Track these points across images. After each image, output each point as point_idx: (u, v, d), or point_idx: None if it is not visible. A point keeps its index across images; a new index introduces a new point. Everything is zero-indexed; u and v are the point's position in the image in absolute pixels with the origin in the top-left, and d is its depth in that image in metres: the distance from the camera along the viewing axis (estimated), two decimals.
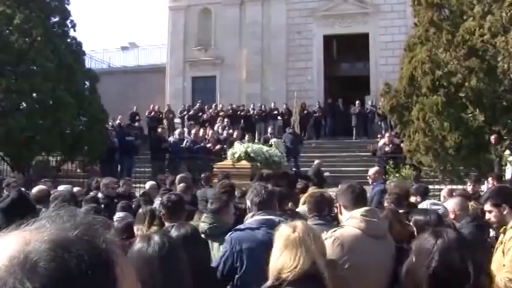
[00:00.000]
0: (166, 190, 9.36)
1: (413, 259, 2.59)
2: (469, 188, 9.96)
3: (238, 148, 13.44)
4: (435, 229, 2.88)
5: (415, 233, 4.35)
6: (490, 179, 11.53)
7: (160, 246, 2.75)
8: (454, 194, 8.03)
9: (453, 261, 2.42)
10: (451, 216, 5.55)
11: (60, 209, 0.97)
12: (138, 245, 2.80)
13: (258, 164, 12.89)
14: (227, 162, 13.56)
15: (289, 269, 2.89)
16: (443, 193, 9.71)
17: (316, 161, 16.71)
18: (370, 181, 10.27)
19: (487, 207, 4.61)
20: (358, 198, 4.09)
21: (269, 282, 2.98)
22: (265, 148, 14.09)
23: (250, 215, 4.72)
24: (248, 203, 4.76)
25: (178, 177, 10.62)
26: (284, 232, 3.05)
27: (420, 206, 5.59)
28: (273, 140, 17.83)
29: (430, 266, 2.44)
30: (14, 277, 0.80)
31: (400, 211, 5.74)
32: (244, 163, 12.94)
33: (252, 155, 13.09)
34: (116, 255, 0.90)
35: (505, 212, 4.49)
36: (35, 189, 6.79)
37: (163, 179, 12.31)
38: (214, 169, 13.33)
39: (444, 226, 4.15)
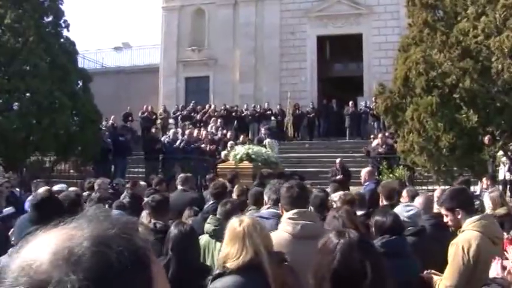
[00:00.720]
0: (153, 190, 9.57)
1: (319, 258, 2.63)
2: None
3: (240, 150, 14.37)
4: (340, 229, 2.95)
5: (373, 233, 4.52)
6: (484, 179, 11.60)
7: None
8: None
9: (352, 261, 2.44)
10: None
11: (95, 208, 1.01)
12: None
13: (259, 164, 13.65)
14: (230, 163, 14.35)
15: (233, 259, 3.22)
16: (436, 194, 9.76)
17: (338, 160, 16.78)
18: (362, 181, 10.58)
19: (443, 211, 4.64)
20: (295, 200, 4.18)
21: (216, 271, 3.32)
22: (263, 149, 14.90)
23: (265, 207, 5.21)
24: (266, 197, 5.27)
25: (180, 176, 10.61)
26: (232, 225, 3.36)
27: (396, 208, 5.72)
28: (266, 141, 17.84)
29: (332, 265, 2.48)
30: (60, 270, 0.84)
31: (360, 212, 6.22)
32: (246, 164, 13.78)
33: (253, 156, 13.98)
34: (151, 254, 0.94)
35: (459, 216, 4.49)
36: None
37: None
38: (218, 170, 14.31)
39: (400, 227, 4.49)
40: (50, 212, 4.01)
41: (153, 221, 5.37)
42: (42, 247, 0.89)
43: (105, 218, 0.95)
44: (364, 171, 10.81)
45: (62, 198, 5.71)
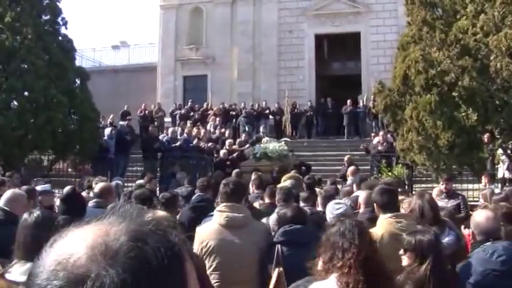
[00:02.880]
0: (138, 186, 9.88)
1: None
2: (442, 186, 10.03)
3: (259, 149, 16.25)
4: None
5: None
6: (483, 177, 11.61)
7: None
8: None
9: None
10: (361, 209, 6.00)
11: (128, 205, 1.02)
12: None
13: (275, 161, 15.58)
14: (250, 161, 16.16)
15: None
16: (435, 192, 9.82)
17: (347, 156, 16.87)
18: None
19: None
20: (229, 196, 4.82)
21: None
22: (277, 145, 16.52)
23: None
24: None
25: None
26: None
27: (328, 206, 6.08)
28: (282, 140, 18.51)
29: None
30: (97, 264, 0.84)
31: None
32: (264, 161, 15.71)
33: (269, 154, 15.86)
34: (185, 251, 0.95)
35: (377, 212, 4.85)
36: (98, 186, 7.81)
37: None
38: (242, 167, 15.35)
39: (302, 218, 4.94)
40: (74, 205, 5.52)
41: None
42: (78, 242, 0.88)
43: (139, 214, 0.96)
44: (349, 170, 11.50)
45: (137, 194, 6.44)
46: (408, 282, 3.60)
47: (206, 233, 4.69)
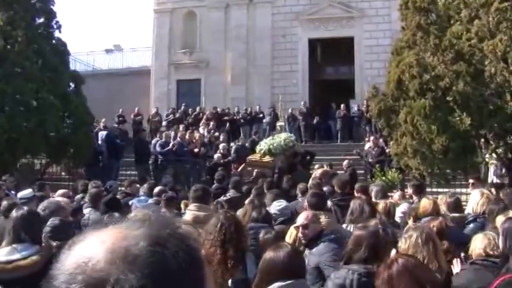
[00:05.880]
0: (124, 194, 10.19)
1: None
2: (410, 190, 9.91)
3: (264, 145, 17.14)
4: None
5: None
6: (470, 180, 11.48)
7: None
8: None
9: None
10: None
11: (144, 209, 1.02)
12: None
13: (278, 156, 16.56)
14: (256, 155, 17.27)
15: None
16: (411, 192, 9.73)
17: (346, 161, 16.91)
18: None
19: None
20: (198, 198, 6.22)
21: None
22: (282, 140, 17.26)
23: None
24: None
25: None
26: None
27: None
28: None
29: None
30: (117, 269, 0.84)
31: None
32: (267, 158, 16.71)
33: (273, 151, 16.74)
34: (202, 254, 0.95)
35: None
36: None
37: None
38: (250, 160, 17.12)
39: (268, 218, 6.68)
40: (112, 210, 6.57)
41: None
42: (97, 245, 0.88)
43: (157, 219, 0.95)
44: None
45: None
46: None
47: None
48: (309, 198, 6.54)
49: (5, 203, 6.69)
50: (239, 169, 16.48)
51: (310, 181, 10.73)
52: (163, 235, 0.90)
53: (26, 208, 4.34)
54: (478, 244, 4.43)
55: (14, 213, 4.23)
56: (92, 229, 0.94)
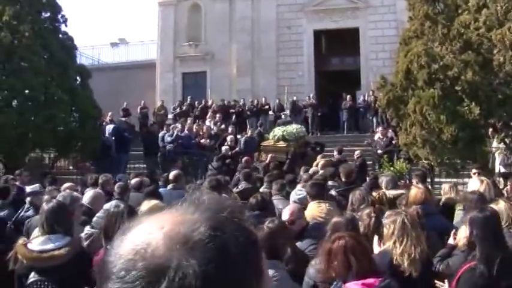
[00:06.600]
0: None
1: None
2: (414, 180, 9.93)
3: (278, 132, 17.72)
4: None
5: None
6: (473, 169, 11.41)
7: None
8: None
9: None
10: None
11: (198, 193, 0.99)
12: None
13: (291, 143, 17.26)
14: (270, 141, 17.87)
15: None
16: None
17: (357, 151, 17.09)
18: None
19: None
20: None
21: None
22: (294, 129, 17.99)
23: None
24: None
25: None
26: None
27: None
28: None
29: None
30: (178, 255, 0.82)
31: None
32: (281, 143, 17.28)
33: (287, 137, 17.34)
34: (257, 237, 0.94)
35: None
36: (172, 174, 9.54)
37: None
38: (263, 146, 17.92)
39: (265, 204, 6.24)
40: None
41: None
42: (154, 230, 0.86)
43: (213, 202, 0.94)
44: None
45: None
46: None
47: None
48: (308, 189, 6.75)
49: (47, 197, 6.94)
50: (267, 159, 15.83)
51: (311, 170, 10.91)
52: (221, 219, 0.89)
53: (55, 201, 4.58)
54: (462, 233, 4.60)
55: (45, 206, 4.44)
56: (147, 214, 0.92)
